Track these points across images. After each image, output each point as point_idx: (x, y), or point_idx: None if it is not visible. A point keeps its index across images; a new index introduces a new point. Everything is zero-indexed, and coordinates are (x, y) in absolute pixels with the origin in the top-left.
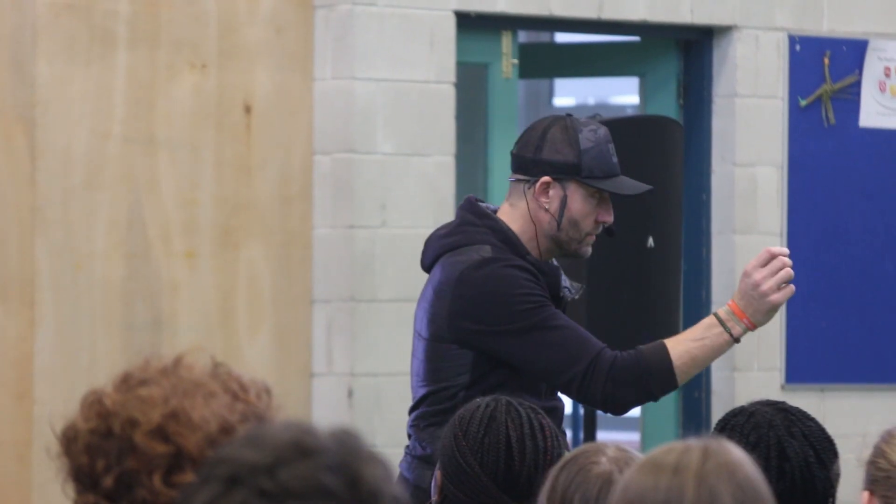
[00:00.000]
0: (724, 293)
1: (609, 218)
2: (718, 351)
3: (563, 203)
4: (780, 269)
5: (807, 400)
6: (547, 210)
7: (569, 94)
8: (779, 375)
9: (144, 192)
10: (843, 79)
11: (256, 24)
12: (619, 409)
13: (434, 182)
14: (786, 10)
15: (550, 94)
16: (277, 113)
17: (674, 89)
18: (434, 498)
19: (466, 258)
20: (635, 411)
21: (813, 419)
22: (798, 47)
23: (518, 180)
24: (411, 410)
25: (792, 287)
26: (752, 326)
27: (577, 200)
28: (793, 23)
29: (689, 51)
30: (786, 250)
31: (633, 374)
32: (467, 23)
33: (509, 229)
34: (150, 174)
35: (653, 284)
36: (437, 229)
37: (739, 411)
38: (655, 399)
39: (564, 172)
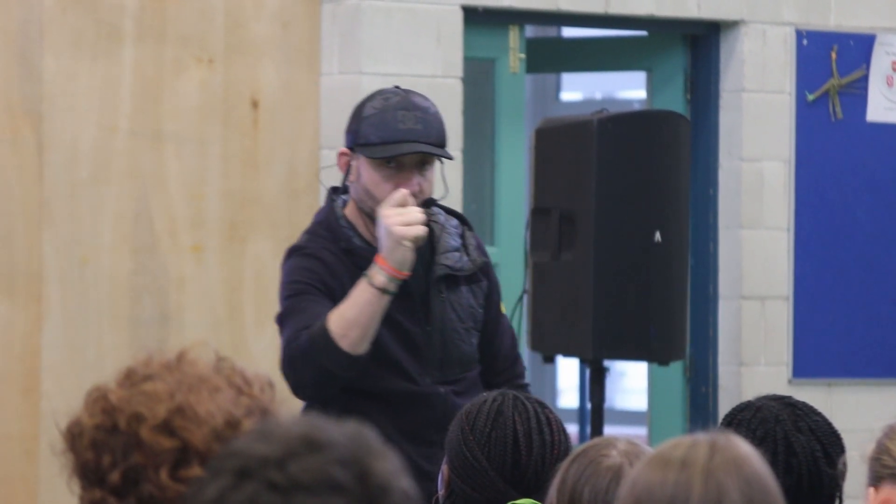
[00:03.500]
0: (731, 288)
1: (412, 186)
2: (369, 303)
3: (349, 172)
4: (412, 212)
5: (814, 394)
6: (352, 183)
7: (576, 88)
8: (786, 370)
9: (151, 186)
10: (850, 73)
11: (263, 19)
12: (303, 390)
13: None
14: (793, 5)
15: (557, 88)
16: (284, 108)
17: (681, 84)
18: (441, 492)
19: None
20: (642, 405)
21: (820, 414)
22: (805, 42)
23: None
24: None
25: (422, 228)
26: (392, 270)
27: (366, 169)
28: (800, 17)
29: (697, 45)
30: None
31: (301, 354)
32: (474, 17)
33: (341, 217)
34: (157, 169)
35: (660, 279)
36: None
37: (746, 406)
38: (335, 374)
39: (352, 142)
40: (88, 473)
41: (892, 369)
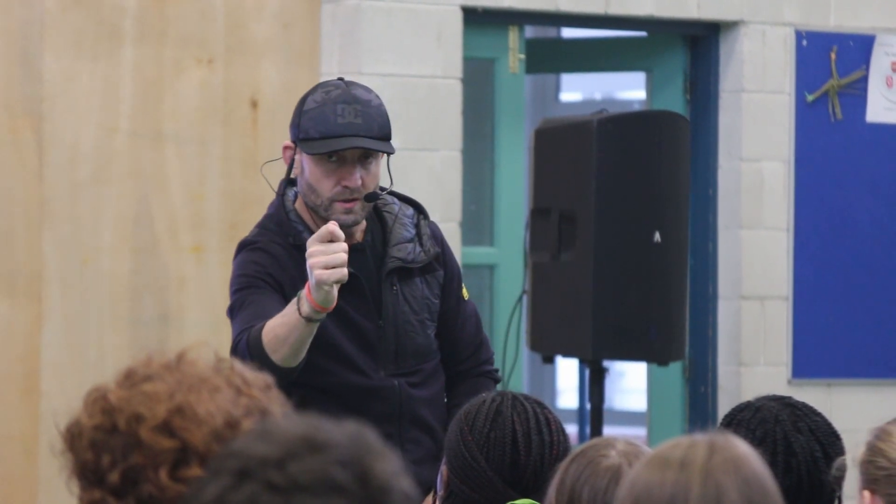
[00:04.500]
0: (730, 288)
1: (352, 181)
2: (296, 328)
3: (293, 167)
4: (337, 252)
5: (814, 395)
6: (289, 176)
7: (575, 89)
8: (785, 370)
9: (152, 186)
10: (850, 74)
11: (263, 20)
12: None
13: (441, 177)
14: (793, 5)
15: (557, 89)
16: (284, 108)
17: (680, 84)
18: (440, 493)
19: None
20: (641, 406)
21: (820, 414)
22: (805, 42)
23: None
24: None
25: (342, 271)
26: (315, 305)
27: (308, 164)
28: (800, 18)
29: (696, 46)
30: (340, 234)
31: (241, 357)
32: (474, 18)
33: (291, 210)
34: (158, 169)
35: (659, 279)
36: None
37: (746, 406)
38: (278, 375)
39: (294, 137)
40: (88, 474)
41: (891, 369)
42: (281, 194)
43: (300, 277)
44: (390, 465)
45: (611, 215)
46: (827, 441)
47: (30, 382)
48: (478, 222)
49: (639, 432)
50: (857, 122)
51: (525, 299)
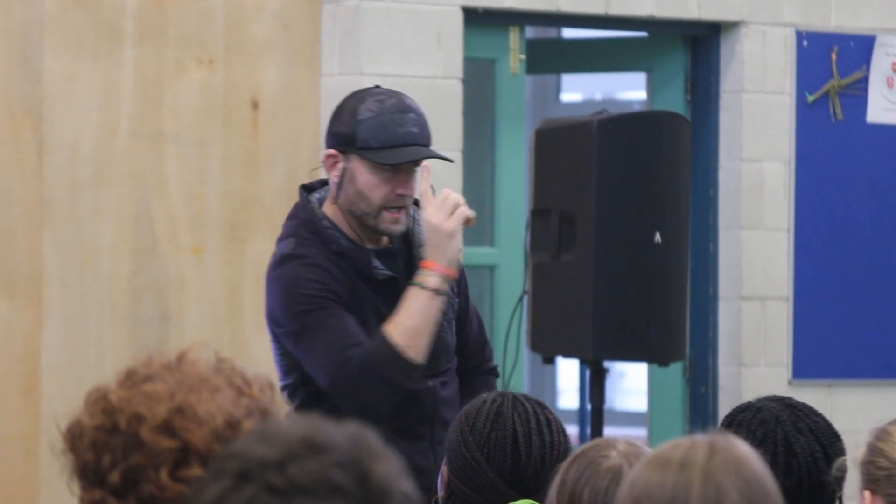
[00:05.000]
0: (731, 288)
1: (408, 190)
2: (427, 309)
3: (343, 176)
4: (450, 201)
5: (814, 395)
6: (339, 184)
7: (576, 89)
8: (786, 371)
9: (152, 187)
10: (850, 74)
11: (264, 20)
12: (378, 413)
13: (441, 177)
14: (793, 6)
15: (558, 89)
16: (285, 108)
17: (681, 85)
18: (441, 493)
19: (274, 255)
20: (642, 406)
21: (820, 415)
22: (805, 43)
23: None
24: None
25: (463, 210)
26: (444, 270)
27: (362, 172)
28: (800, 18)
29: (697, 46)
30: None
31: (366, 375)
32: (475, 18)
33: (323, 218)
34: (158, 169)
35: (660, 280)
36: None
37: (746, 407)
38: (405, 387)
39: (344, 144)
40: (88, 474)
41: (892, 370)
42: (306, 201)
43: (349, 287)
44: (390, 467)
45: (611, 216)
46: (827, 442)
47: (30, 383)
48: (478, 223)
49: (639, 433)
50: (857, 123)
51: (525, 300)
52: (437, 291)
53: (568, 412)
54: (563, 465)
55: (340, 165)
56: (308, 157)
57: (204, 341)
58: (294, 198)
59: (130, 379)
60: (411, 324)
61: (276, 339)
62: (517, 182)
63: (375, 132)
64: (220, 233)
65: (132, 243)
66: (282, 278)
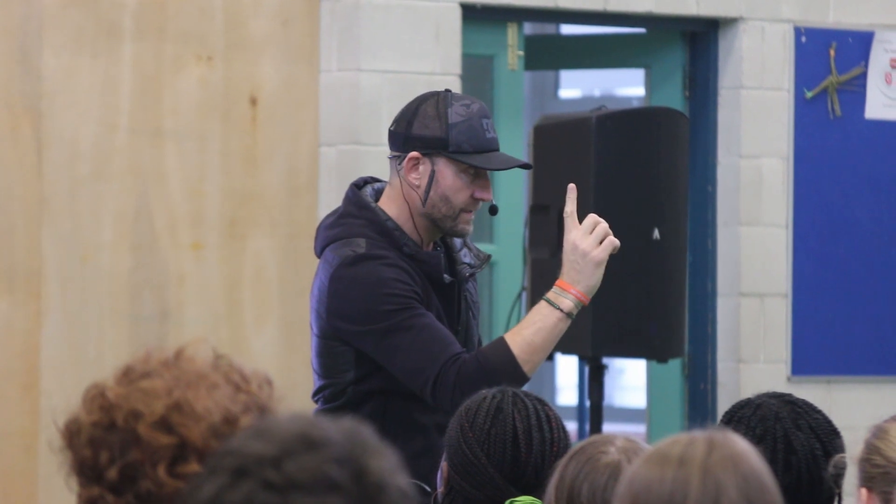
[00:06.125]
0: (729, 285)
1: (487, 195)
2: (554, 330)
3: (432, 179)
4: (599, 229)
5: (813, 392)
6: (417, 187)
7: (574, 85)
8: (785, 367)
9: (151, 183)
10: (848, 70)
11: (262, 16)
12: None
13: None
14: (792, 2)
15: (556, 85)
16: (284, 105)
17: (679, 81)
18: (440, 489)
19: (342, 253)
20: (641, 402)
21: (820, 412)
22: (804, 39)
23: (393, 157)
24: (314, 398)
25: (612, 239)
26: (582, 296)
27: (448, 176)
28: (799, 14)
29: (695, 42)
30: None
31: (478, 379)
32: (473, 14)
33: (388, 219)
34: (157, 166)
35: (658, 276)
36: (325, 217)
37: (746, 403)
38: None
39: (432, 147)
40: (86, 470)
41: (891, 366)
42: (363, 201)
43: (423, 290)
44: (386, 463)
45: (610, 212)
46: (827, 439)
47: (29, 379)
48: (477, 219)
49: (638, 429)
50: (855, 119)
51: (524, 296)
52: (568, 315)
53: (567, 409)
54: (562, 462)
55: (423, 168)
56: (307, 153)
57: (202, 338)
58: (293, 194)
59: (128, 376)
60: (535, 340)
61: (341, 337)
62: (516, 178)
63: (468, 136)
64: (219, 229)
65: (131, 240)
66: (362, 277)
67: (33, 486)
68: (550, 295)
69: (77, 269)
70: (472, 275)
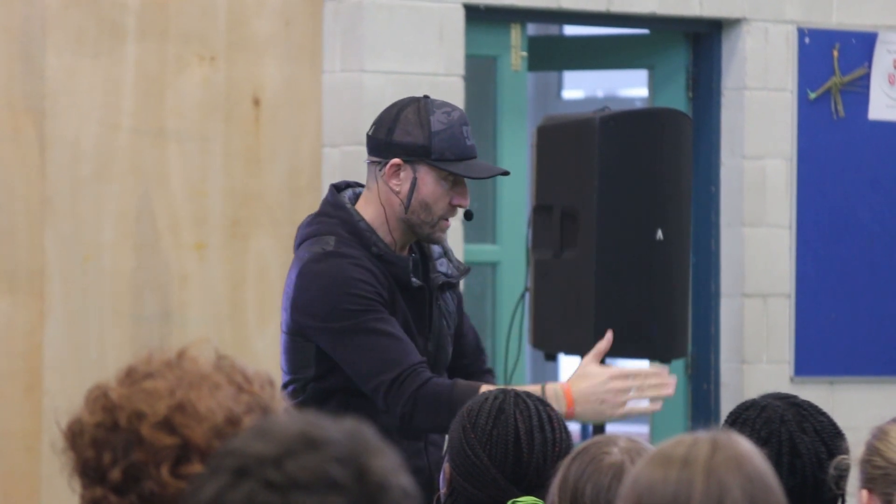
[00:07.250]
0: (733, 285)
1: (465, 202)
2: None
3: (413, 186)
4: (637, 385)
5: (816, 393)
6: (397, 193)
7: (577, 86)
8: (788, 368)
9: (153, 183)
10: (852, 71)
11: (265, 17)
12: (412, 431)
13: None
14: (795, 3)
15: (559, 86)
16: (286, 105)
17: (683, 82)
18: (443, 490)
19: (311, 250)
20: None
21: (825, 414)
22: (807, 40)
23: (372, 162)
24: None
25: (630, 408)
26: (571, 411)
27: (429, 183)
28: (802, 15)
29: (699, 43)
30: (665, 374)
31: (437, 404)
32: (476, 15)
33: (361, 220)
34: (160, 166)
35: (662, 277)
36: (306, 218)
37: (751, 405)
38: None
39: (415, 154)
40: (89, 471)
41: (894, 367)
42: (342, 200)
43: (390, 292)
44: (388, 462)
45: (613, 213)
46: (832, 442)
47: (32, 379)
48: (480, 219)
49: (641, 429)
50: (859, 120)
51: (527, 297)
52: None
53: None
54: (565, 462)
55: (405, 175)
56: (310, 153)
57: (205, 338)
58: (295, 194)
59: (130, 376)
60: None
61: (303, 332)
62: (519, 179)
63: (450, 144)
64: (221, 229)
65: (134, 240)
66: (327, 274)
67: (36, 487)
68: (550, 393)
69: (79, 270)
70: (446, 284)
